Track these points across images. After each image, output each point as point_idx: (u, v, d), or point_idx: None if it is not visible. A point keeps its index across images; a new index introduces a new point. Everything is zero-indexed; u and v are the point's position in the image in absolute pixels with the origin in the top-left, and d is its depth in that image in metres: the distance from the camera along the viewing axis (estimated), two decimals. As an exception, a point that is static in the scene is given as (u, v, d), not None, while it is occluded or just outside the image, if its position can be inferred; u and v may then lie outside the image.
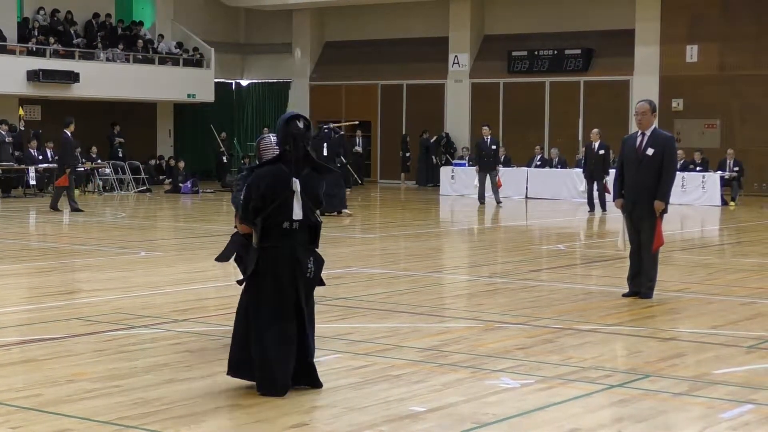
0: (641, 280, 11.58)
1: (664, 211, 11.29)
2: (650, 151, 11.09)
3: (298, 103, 36.90)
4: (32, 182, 29.18)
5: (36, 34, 32.07)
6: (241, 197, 7.46)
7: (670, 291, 13.09)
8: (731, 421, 6.84)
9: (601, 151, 24.33)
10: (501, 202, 26.87)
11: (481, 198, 26.69)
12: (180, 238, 19.01)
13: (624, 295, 11.70)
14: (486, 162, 26.77)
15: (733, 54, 30.73)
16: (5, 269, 14.44)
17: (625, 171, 11.47)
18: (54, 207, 23.27)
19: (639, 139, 11.39)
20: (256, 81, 38.31)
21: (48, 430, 6.43)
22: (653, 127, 11.36)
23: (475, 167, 27.41)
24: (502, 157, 28.98)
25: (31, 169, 29.30)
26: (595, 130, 24.52)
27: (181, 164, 33.23)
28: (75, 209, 23.13)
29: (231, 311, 10.65)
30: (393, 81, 35.99)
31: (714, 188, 27.69)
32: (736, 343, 9.50)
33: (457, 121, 35.00)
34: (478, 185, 26.88)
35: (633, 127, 31.55)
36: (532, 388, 7.70)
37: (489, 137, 27.07)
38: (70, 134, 23.57)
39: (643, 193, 11.20)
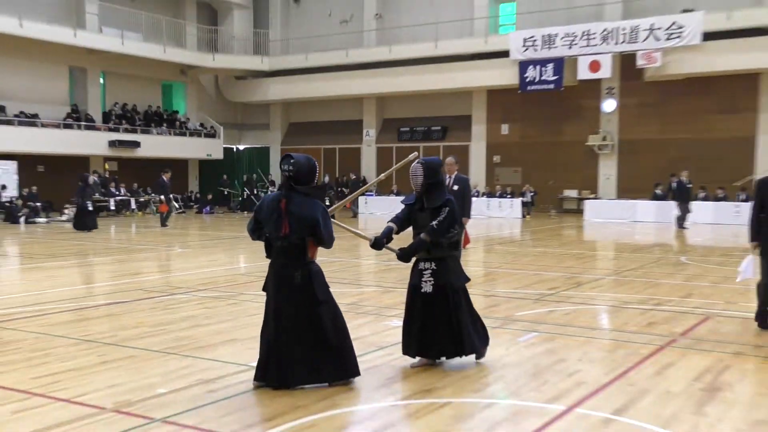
0: None
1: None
2: (456, 188, 10.85)
3: (274, 161, 36.88)
4: (112, 208, 28.95)
5: (113, 118, 31.58)
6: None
7: (491, 267, 13.32)
8: (525, 343, 7.05)
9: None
10: None
11: None
12: (202, 240, 18.87)
13: None
14: None
15: (529, 129, 31.32)
16: (97, 260, 14.28)
17: None
18: (164, 224, 22.68)
19: (448, 181, 11.08)
20: (248, 146, 38.05)
21: (122, 356, 6.46)
22: (456, 173, 11.17)
23: None
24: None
25: (111, 200, 29.02)
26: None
27: (208, 196, 33.05)
28: (164, 225, 22.66)
29: (234, 285, 10.69)
30: (330, 146, 36.03)
31: (517, 207, 28.25)
32: (528, 297, 9.74)
33: (369, 170, 35.14)
34: None
35: (473, 175, 32.15)
36: (410, 326, 7.86)
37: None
38: (166, 179, 23.43)
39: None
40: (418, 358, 6.09)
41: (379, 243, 5.99)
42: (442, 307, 5.92)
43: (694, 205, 25.37)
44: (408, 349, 6.09)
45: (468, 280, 6.22)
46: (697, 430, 4.65)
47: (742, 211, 24.12)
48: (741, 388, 5.56)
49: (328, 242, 5.37)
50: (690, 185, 22.65)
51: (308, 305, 5.30)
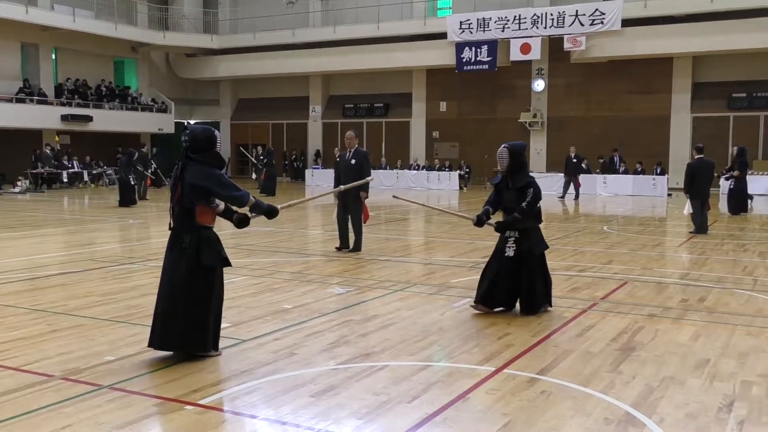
0: (356, 241, 10.80)
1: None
2: (353, 161, 10.60)
3: (223, 135, 36.16)
4: (65, 180, 28.03)
5: (66, 92, 30.50)
6: None
7: (429, 237, 13.33)
8: (459, 308, 7.08)
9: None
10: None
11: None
12: (153, 211, 18.41)
13: (337, 248, 10.81)
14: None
15: (464, 107, 31.46)
16: (49, 231, 13.82)
17: (342, 174, 10.61)
18: (142, 197, 21.43)
19: (348, 155, 10.76)
20: (198, 121, 37.24)
21: (71, 325, 6.26)
22: (356, 146, 10.78)
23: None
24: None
25: (64, 173, 28.12)
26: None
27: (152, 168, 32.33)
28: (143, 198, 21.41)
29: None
30: (278, 121, 35.59)
31: (455, 180, 28.41)
32: (463, 265, 9.79)
33: (315, 144, 34.89)
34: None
35: (413, 149, 32.13)
36: (352, 293, 7.83)
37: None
38: (143, 151, 22.75)
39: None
40: (479, 305, 6.68)
41: (481, 221, 6.77)
42: (521, 270, 6.47)
43: (614, 178, 25.92)
44: (485, 298, 6.63)
45: (546, 247, 6.68)
46: (613, 386, 4.73)
47: (658, 184, 24.77)
48: (652, 347, 5.68)
49: (234, 201, 5.15)
50: (576, 160, 23.06)
51: (192, 270, 5.06)
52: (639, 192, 24.80)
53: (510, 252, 6.54)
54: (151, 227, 14.78)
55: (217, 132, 5.32)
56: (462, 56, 29.15)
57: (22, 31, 28.31)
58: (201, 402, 4.34)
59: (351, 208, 10.68)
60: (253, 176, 27.86)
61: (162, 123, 33.31)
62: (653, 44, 26.82)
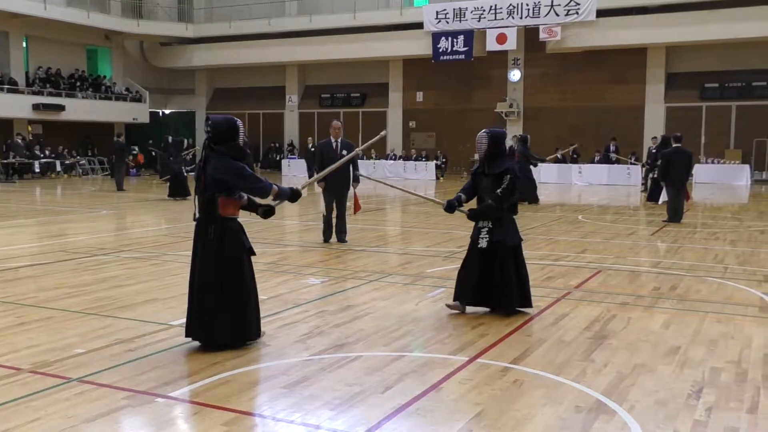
0: (339, 232, 10.69)
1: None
2: (344, 152, 10.07)
3: (199, 126, 35.82)
4: (37, 170, 27.63)
5: (38, 81, 30.01)
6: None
7: (406, 226, 13.28)
8: (433, 297, 7.07)
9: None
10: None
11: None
12: (127, 202, 18.17)
13: (325, 241, 10.62)
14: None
15: (441, 96, 31.44)
16: (20, 222, 13.59)
17: (327, 165, 9.90)
18: (120, 188, 21.33)
19: (334, 145, 10.26)
20: (173, 110, 36.85)
21: (40, 317, 6.15)
22: (341, 138, 10.44)
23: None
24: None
25: (36, 163, 27.72)
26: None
27: (130, 158, 31.92)
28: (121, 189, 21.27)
29: (158, 245, 10.34)
30: (254, 111, 35.28)
31: (431, 170, 28.41)
32: (439, 254, 9.78)
33: (292, 134, 34.70)
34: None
35: (390, 139, 32.07)
36: (327, 284, 7.78)
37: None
38: (121, 140, 22.61)
39: (344, 178, 10.23)
40: (455, 303, 6.32)
41: (451, 206, 6.44)
42: (494, 262, 6.15)
43: (590, 168, 26.09)
44: (461, 297, 6.28)
45: (521, 240, 6.35)
46: (585, 375, 4.76)
47: (633, 173, 24.97)
48: (624, 335, 5.72)
49: (257, 193, 5.17)
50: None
51: (217, 261, 5.07)
52: (614, 181, 25.00)
53: (483, 243, 6.18)
54: (125, 218, 14.59)
55: (239, 121, 5.22)
56: (438, 46, 29.11)
57: (-8, 19, 27.82)
58: (172, 394, 4.29)
59: (345, 199, 10.59)
60: None
61: (136, 112, 32.93)
62: (627, 34, 26.99)
